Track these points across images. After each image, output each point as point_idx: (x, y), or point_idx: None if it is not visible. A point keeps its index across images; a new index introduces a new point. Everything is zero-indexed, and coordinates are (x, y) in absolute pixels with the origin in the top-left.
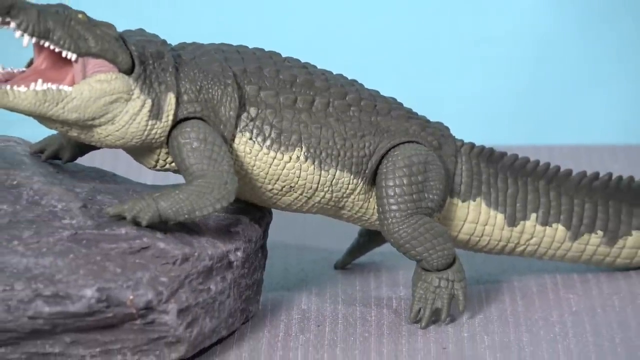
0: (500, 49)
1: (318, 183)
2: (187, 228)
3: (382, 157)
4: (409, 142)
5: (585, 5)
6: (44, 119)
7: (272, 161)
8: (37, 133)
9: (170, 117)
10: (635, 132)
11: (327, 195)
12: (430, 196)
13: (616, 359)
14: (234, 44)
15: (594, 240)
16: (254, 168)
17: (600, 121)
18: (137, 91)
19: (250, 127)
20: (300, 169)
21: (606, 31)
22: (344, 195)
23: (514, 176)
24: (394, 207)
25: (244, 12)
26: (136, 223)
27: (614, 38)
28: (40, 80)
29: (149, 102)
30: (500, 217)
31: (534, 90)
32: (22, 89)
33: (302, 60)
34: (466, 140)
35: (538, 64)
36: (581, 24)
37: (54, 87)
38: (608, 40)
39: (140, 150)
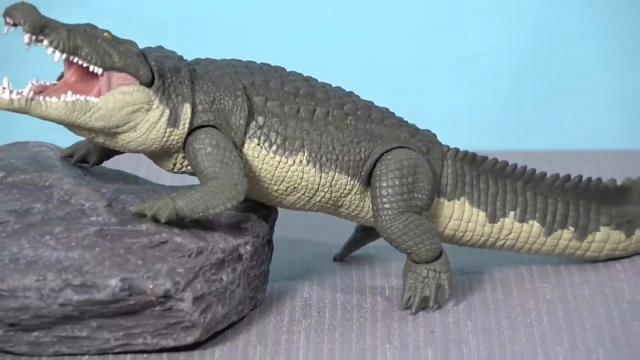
0: (481, 66)
1: (319, 184)
2: (201, 224)
3: (376, 161)
4: (400, 147)
5: (555, 26)
6: (73, 127)
7: (277, 165)
8: (67, 139)
9: (187, 125)
10: (602, 139)
11: (327, 195)
12: (419, 196)
13: (586, 342)
14: (243, 59)
15: (566, 236)
16: (262, 171)
17: (571, 129)
18: (156, 102)
19: (258, 134)
20: (303, 172)
21: (575, 50)
22: (342, 195)
23: (494, 178)
24: (386, 206)
25: (252, 31)
26: (156, 220)
27: (581, 56)
28: (69, 92)
29: (167, 111)
30: (482, 214)
31: (513, 101)
32: (54, 99)
33: (305, 74)
34: (452, 146)
35: (515, 79)
36: (552, 43)
37: (82, 98)
38: (576, 58)
39: (160, 155)
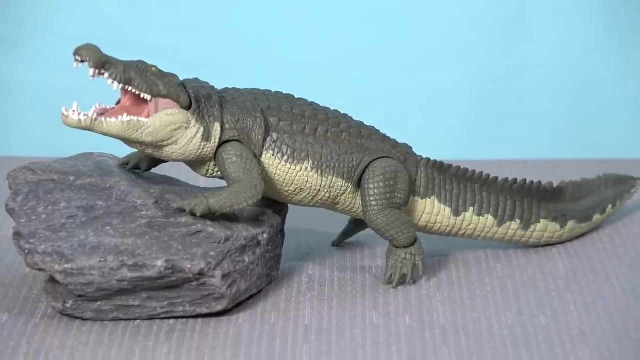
0: (447, 94)
1: (320, 186)
2: (228, 217)
3: (365, 167)
4: (384, 157)
5: (505, 60)
6: (128, 141)
7: (288, 171)
8: (123, 151)
9: (217, 140)
10: (540, 151)
11: (327, 195)
12: (399, 195)
13: (530, 309)
14: (261, 88)
15: (513, 226)
16: (275, 175)
17: (517, 143)
18: (193, 122)
19: (273, 147)
20: (308, 176)
21: (517, 83)
22: (339, 194)
23: (458, 181)
24: (373, 203)
25: (266, 66)
26: (193, 214)
27: (523, 87)
28: (125, 114)
29: (201, 129)
30: (448, 210)
31: (472, 122)
32: (113, 120)
33: (309, 100)
34: (424, 156)
35: (475, 104)
36: (500, 78)
37: (135, 118)
38: (518, 89)
39: (196, 163)
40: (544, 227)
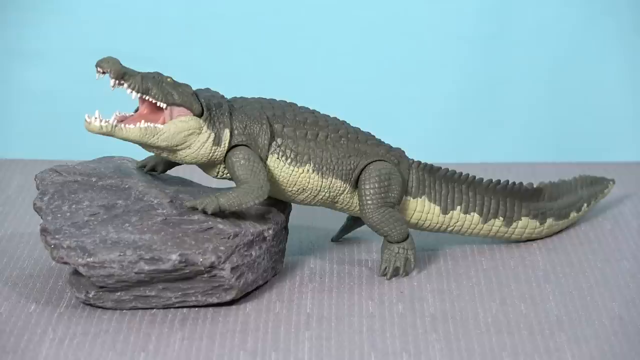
0: (434, 102)
1: (321, 187)
2: (237, 215)
3: (362, 170)
4: (379, 160)
5: (489, 73)
6: (145, 146)
7: (291, 173)
8: (141, 154)
9: (226, 144)
10: (521, 154)
11: (327, 195)
12: (392, 195)
13: (512, 299)
14: (267, 97)
15: (497, 223)
16: (280, 177)
17: (498, 148)
18: (205, 128)
19: (278, 151)
20: (310, 178)
21: (498, 93)
22: (338, 194)
23: (446, 182)
24: (369, 202)
25: (271, 78)
26: (204, 212)
27: (502, 99)
28: (142, 121)
29: (212, 134)
30: (437, 208)
31: (459, 128)
32: (131, 126)
33: (310, 108)
34: (416, 159)
35: (459, 113)
36: (487, 85)
37: (152, 125)
38: (499, 100)
39: (207, 166)
40: (525, 224)
